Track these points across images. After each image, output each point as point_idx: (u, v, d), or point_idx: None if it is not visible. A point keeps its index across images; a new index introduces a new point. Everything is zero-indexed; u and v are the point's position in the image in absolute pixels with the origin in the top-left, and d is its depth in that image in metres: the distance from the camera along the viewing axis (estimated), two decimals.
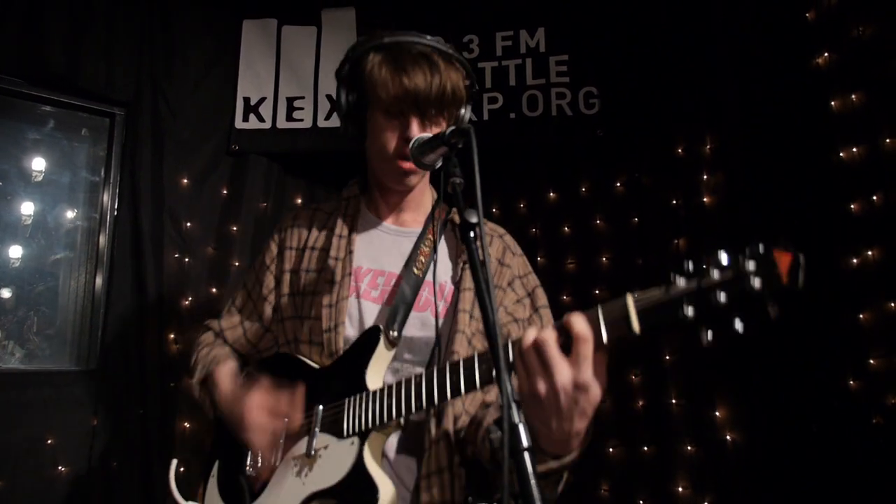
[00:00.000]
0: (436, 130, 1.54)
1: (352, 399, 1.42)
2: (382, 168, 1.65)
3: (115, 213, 3.18)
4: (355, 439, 1.38)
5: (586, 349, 1.01)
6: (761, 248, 0.93)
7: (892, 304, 2.41)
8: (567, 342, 1.03)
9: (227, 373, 1.65)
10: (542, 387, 1.03)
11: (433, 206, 1.75)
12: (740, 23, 3.01)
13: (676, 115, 3.22)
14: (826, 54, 2.71)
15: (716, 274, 0.95)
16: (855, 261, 2.52)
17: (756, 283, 0.91)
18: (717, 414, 2.90)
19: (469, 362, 1.23)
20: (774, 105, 2.84)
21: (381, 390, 1.38)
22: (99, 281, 3.12)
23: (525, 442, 0.88)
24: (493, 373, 1.07)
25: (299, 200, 3.63)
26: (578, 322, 1.03)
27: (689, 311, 0.95)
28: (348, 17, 3.53)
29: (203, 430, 2.98)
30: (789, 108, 2.79)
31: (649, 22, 3.35)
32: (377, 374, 1.48)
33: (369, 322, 1.56)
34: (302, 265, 1.69)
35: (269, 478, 1.50)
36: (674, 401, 3.05)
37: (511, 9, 3.54)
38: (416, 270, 1.59)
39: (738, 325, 0.92)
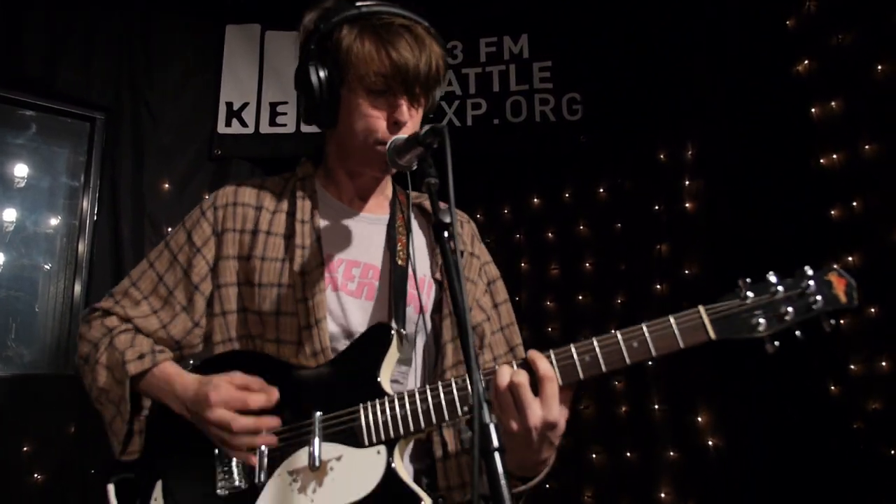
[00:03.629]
0: (418, 113, 1.45)
1: (369, 405, 1.29)
2: (364, 154, 1.45)
3: (95, 218, 3.15)
4: (381, 448, 1.27)
5: (552, 389, 1.10)
6: (810, 270, 1.10)
7: (872, 310, 2.43)
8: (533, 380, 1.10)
9: (177, 366, 1.42)
10: (514, 425, 1.10)
11: (394, 190, 1.62)
12: (722, 30, 3.04)
13: (658, 122, 3.25)
14: (806, 62, 2.74)
15: (781, 289, 1.08)
16: (835, 266, 2.53)
17: (818, 299, 1.07)
18: (699, 420, 2.90)
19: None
20: (755, 111, 2.86)
21: (412, 394, 1.27)
22: (78, 287, 3.09)
23: (496, 442, 0.87)
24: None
25: None
26: (542, 363, 1.11)
27: (761, 321, 1.07)
28: None
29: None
30: (770, 114, 2.82)
31: (632, 29, 3.37)
32: (388, 376, 1.36)
33: (353, 319, 1.44)
34: (255, 251, 1.47)
35: (255, 498, 1.29)
36: (656, 407, 3.05)
37: (495, 15, 3.55)
38: (399, 261, 1.47)
39: (799, 334, 1.07)
